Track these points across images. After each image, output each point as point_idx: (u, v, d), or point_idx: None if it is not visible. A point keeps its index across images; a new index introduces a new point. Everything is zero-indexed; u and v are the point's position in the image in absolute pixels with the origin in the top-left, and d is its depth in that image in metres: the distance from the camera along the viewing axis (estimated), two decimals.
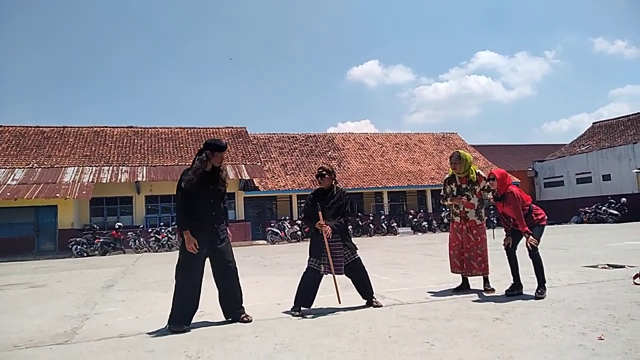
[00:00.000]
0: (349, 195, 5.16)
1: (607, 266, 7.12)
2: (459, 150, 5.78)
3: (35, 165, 21.94)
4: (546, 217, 5.26)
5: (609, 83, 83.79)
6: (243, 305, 4.53)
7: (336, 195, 4.96)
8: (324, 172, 5.00)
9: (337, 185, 5.10)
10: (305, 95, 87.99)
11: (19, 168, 21.47)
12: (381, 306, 4.84)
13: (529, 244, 4.89)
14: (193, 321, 4.47)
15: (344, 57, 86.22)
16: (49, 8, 76.37)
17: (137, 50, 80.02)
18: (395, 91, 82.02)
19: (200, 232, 4.30)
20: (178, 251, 4.45)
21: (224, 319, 4.51)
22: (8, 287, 8.73)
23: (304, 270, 4.89)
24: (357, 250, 4.98)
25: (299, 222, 22.79)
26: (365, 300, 4.95)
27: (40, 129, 25.00)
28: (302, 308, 4.71)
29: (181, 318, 4.25)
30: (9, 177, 20.66)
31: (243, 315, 4.43)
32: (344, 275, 4.89)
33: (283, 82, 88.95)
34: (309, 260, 4.87)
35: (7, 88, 72.72)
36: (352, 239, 5.18)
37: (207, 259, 4.44)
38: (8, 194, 19.33)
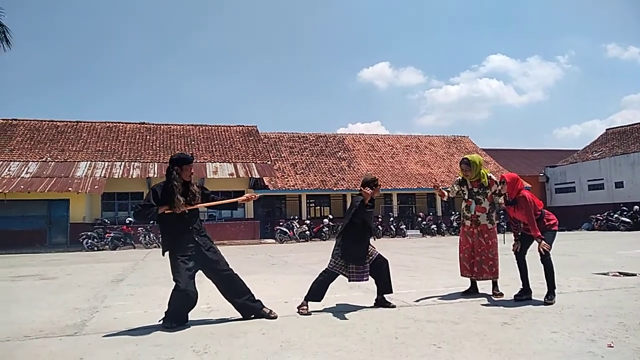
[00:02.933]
0: None
1: (618, 274, 7.04)
2: (468, 156, 5.67)
3: (48, 159, 22.20)
4: (557, 223, 5.22)
5: (622, 89, 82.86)
6: (259, 299, 4.53)
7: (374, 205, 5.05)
8: (378, 182, 5.00)
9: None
10: (316, 95, 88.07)
11: (32, 161, 21.74)
12: (394, 306, 4.85)
13: (541, 249, 4.85)
14: (201, 317, 4.51)
15: (355, 58, 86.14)
16: (63, 0, 77.27)
17: (148, 45, 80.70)
18: (406, 93, 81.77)
19: (184, 247, 4.27)
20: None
21: (231, 316, 4.53)
22: (20, 278, 8.85)
23: (323, 270, 4.92)
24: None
25: (308, 221, 22.83)
26: (374, 301, 4.97)
27: (55, 123, 25.31)
28: (309, 302, 4.73)
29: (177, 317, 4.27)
30: (23, 170, 20.93)
31: (264, 309, 4.46)
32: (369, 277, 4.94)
33: (294, 82, 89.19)
34: (334, 264, 4.85)
35: (21, 81, 73.70)
36: None
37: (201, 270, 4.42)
38: (22, 186, 19.58)
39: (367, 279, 4.88)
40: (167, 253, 4.36)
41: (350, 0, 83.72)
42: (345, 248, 4.80)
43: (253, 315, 4.45)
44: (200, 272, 4.40)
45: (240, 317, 4.46)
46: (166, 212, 4.23)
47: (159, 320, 4.29)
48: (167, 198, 4.24)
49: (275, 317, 4.43)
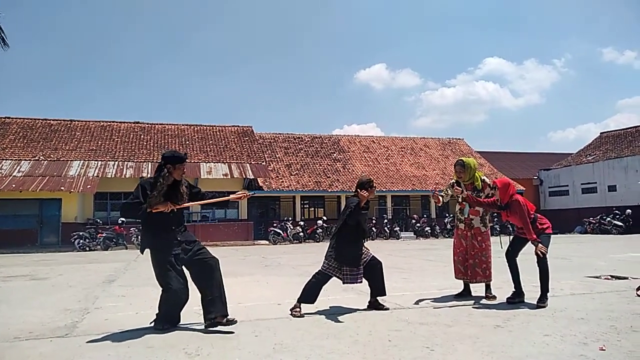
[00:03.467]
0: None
1: (610, 277, 7.08)
2: (463, 158, 5.71)
3: (41, 157, 22.04)
4: (551, 226, 5.23)
5: (618, 93, 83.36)
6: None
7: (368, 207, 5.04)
8: (374, 184, 4.98)
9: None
10: (312, 96, 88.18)
11: (25, 160, 21.57)
12: (387, 309, 4.85)
13: (538, 252, 4.85)
14: (193, 319, 4.48)
15: (352, 60, 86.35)
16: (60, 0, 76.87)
17: (146, 45, 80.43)
18: (402, 95, 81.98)
19: (168, 246, 4.13)
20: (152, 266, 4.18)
21: None
22: (10, 278, 8.77)
23: (316, 272, 4.91)
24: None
25: (302, 223, 22.80)
26: (367, 304, 4.96)
27: (48, 121, 25.13)
28: (302, 304, 4.72)
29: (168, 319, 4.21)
30: (15, 169, 20.76)
31: (227, 318, 4.08)
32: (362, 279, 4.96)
33: (290, 83, 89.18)
34: (327, 265, 4.86)
35: (16, 79, 73.23)
36: None
37: (185, 268, 4.25)
38: (13, 185, 19.42)
39: (361, 281, 4.87)
40: (148, 252, 4.21)
41: (348, 2, 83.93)
42: (340, 250, 4.79)
43: (212, 319, 4.05)
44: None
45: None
46: (154, 210, 4.09)
47: (150, 323, 4.26)
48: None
49: (234, 323, 4.08)
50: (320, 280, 4.84)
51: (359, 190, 4.87)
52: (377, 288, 4.95)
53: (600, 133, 32.27)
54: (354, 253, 4.80)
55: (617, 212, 23.88)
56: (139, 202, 4.08)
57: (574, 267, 8.65)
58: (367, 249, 4.98)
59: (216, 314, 4.05)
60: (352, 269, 4.79)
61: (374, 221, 23.74)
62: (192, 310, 4.82)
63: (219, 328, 4.08)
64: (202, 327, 4.25)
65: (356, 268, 4.80)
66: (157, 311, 4.23)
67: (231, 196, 4.60)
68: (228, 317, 4.09)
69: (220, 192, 5.13)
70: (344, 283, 4.87)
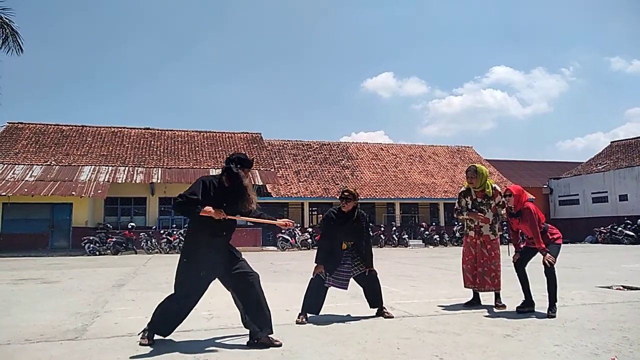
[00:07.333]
0: (367, 216, 5.17)
1: (621, 287, 6.99)
2: (476, 164, 5.71)
3: (53, 162, 22.29)
4: (562, 237, 5.19)
5: (626, 103, 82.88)
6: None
7: (357, 218, 4.92)
8: (349, 196, 4.87)
9: (358, 207, 5.00)
10: (320, 104, 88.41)
11: (37, 165, 21.83)
12: (392, 317, 4.82)
13: (546, 261, 4.82)
14: (201, 324, 4.49)
15: (359, 68, 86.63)
16: (70, 5, 77.97)
17: (155, 52, 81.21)
18: (409, 103, 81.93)
19: (207, 253, 3.78)
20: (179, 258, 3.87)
21: (232, 323, 4.51)
22: (22, 281, 8.86)
23: (311, 277, 4.91)
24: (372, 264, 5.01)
25: (310, 229, 22.79)
26: (375, 311, 4.94)
27: (60, 127, 25.45)
28: (308, 315, 4.72)
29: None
30: (27, 174, 21.01)
31: (272, 337, 3.75)
32: (348, 286, 4.96)
33: (299, 90, 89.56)
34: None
35: (29, 85, 74.21)
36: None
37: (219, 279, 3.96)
38: (25, 189, 19.65)
39: (345, 288, 4.90)
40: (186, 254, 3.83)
41: (355, 11, 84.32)
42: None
43: (256, 340, 3.72)
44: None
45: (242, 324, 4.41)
46: (202, 214, 3.65)
47: (138, 334, 3.96)
48: (221, 199, 3.77)
49: (280, 345, 3.71)
50: (315, 283, 4.82)
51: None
52: (371, 300, 4.97)
53: (611, 142, 32.03)
54: (333, 260, 4.84)
55: (628, 221, 23.60)
56: (197, 200, 3.68)
57: (584, 277, 8.56)
58: (357, 261, 4.96)
59: (258, 335, 3.70)
60: (331, 275, 4.83)
61: (382, 229, 23.67)
62: (200, 316, 4.84)
63: (228, 334, 4.09)
64: (211, 331, 4.27)
65: (335, 275, 4.83)
66: (151, 319, 3.83)
67: (278, 221, 4.20)
68: (272, 337, 3.72)
69: None
70: (328, 286, 4.85)
